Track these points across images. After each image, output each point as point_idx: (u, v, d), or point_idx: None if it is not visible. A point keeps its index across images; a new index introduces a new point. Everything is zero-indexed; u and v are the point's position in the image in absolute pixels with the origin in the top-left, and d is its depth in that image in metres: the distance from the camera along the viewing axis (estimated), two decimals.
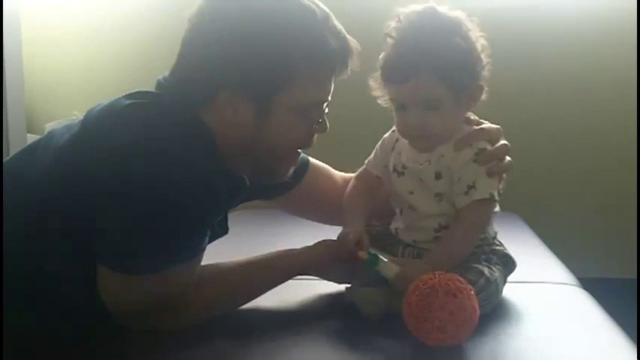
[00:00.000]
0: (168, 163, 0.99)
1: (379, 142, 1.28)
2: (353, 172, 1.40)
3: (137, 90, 1.12)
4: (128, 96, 1.09)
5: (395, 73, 1.13)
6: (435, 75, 1.10)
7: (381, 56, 1.16)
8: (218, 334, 1.09)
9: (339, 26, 1.11)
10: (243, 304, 1.17)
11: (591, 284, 1.42)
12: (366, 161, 1.30)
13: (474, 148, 1.15)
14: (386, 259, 1.14)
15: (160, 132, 1.02)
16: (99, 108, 1.09)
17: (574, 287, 1.39)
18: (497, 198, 1.15)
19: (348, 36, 1.11)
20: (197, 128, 1.08)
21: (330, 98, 1.14)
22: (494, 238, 1.23)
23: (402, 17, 1.15)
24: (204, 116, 1.09)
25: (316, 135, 1.17)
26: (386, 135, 1.27)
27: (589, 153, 2.39)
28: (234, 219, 1.27)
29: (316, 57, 1.08)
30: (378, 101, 1.20)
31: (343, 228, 1.21)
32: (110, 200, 0.99)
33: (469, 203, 1.13)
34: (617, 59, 2.33)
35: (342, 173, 1.45)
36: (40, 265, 1.04)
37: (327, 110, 1.15)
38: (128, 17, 2.45)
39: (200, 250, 1.07)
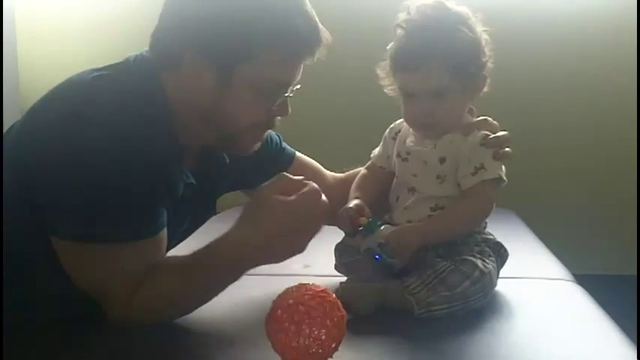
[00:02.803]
0: (108, 133, 1.00)
1: (383, 136, 1.32)
2: (345, 171, 1.41)
3: (107, 65, 1.13)
4: (92, 70, 1.11)
5: (406, 62, 1.17)
6: (443, 64, 1.15)
7: (389, 46, 1.20)
8: (213, 330, 1.09)
9: (312, 13, 1.12)
10: (205, 298, 1.10)
11: (586, 280, 1.42)
12: (371, 155, 1.33)
13: (481, 133, 1.19)
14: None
15: (107, 102, 1.03)
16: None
17: (569, 283, 1.40)
18: (505, 179, 1.18)
19: (320, 25, 1.12)
20: (153, 95, 1.09)
21: (294, 83, 1.14)
22: (485, 227, 1.25)
23: (412, 9, 1.19)
24: (167, 81, 1.10)
25: (279, 118, 1.16)
26: (387, 130, 1.31)
27: (585, 150, 2.40)
28: (225, 216, 1.27)
29: (280, 34, 1.08)
30: (385, 90, 1.23)
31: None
32: (51, 168, 1.01)
33: (477, 183, 1.17)
34: (616, 57, 2.34)
35: (334, 173, 1.44)
36: (7, 252, 1.06)
37: (291, 95, 1.15)
38: (124, 14, 2.45)
39: (147, 233, 1.06)
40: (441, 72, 1.15)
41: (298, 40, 1.10)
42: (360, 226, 1.19)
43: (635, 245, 2.15)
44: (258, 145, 1.20)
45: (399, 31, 1.19)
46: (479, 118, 1.23)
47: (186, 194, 1.13)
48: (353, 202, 1.23)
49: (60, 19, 2.50)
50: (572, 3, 2.35)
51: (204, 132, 1.14)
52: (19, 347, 1.01)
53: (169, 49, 1.10)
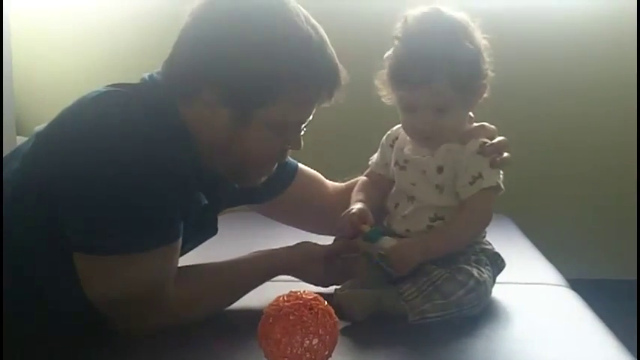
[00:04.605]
0: (132, 144, 1.00)
1: (381, 143, 1.30)
2: (346, 180, 1.41)
3: (119, 82, 1.13)
4: (106, 86, 1.12)
5: (408, 77, 1.14)
6: (448, 80, 1.13)
7: (386, 55, 1.18)
8: (207, 334, 1.09)
9: (333, 55, 1.12)
10: (226, 305, 1.17)
11: (581, 285, 1.42)
12: (369, 161, 1.32)
13: (478, 141, 1.18)
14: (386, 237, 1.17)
15: (127, 115, 1.04)
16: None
17: (563, 288, 1.40)
18: (502, 188, 1.18)
19: (339, 66, 1.13)
20: (170, 117, 1.09)
21: (309, 120, 1.15)
22: (484, 237, 1.25)
23: (409, 20, 1.16)
24: (182, 110, 1.10)
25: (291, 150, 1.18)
26: (384, 137, 1.29)
27: (580, 155, 2.40)
28: (223, 222, 1.27)
29: (303, 81, 1.09)
30: (383, 100, 1.21)
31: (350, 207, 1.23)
32: (76, 180, 1.01)
33: (476, 192, 1.16)
34: (615, 61, 2.33)
35: (334, 183, 1.45)
36: (19, 264, 1.06)
37: (304, 131, 1.16)
38: (119, 19, 2.44)
39: (172, 237, 1.06)
40: (444, 89, 1.13)
41: (319, 86, 1.11)
42: (360, 232, 1.18)
43: (635, 250, 2.15)
44: (265, 178, 1.21)
45: (398, 44, 1.16)
46: (476, 125, 1.22)
47: (196, 214, 1.13)
48: (356, 207, 1.21)
49: (55, 25, 2.49)
50: (571, 4, 2.35)
51: (214, 162, 1.14)
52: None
53: (187, 84, 1.10)
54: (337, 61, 1.13)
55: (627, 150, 2.31)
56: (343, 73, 1.13)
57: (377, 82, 1.20)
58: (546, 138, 2.39)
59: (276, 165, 1.20)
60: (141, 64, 1.20)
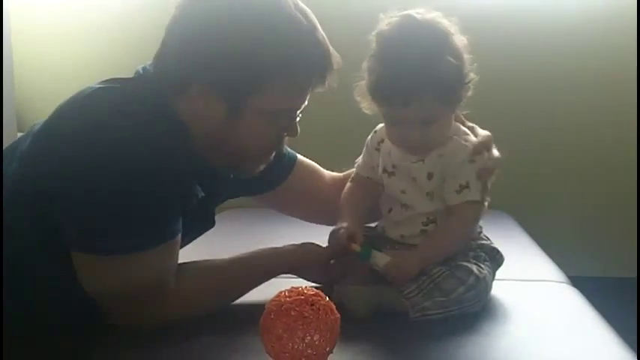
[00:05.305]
0: (128, 141, 1.00)
1: (365, 143, 1.27)
2: (344, 170, 1.40)
3: (112, 77, 1.13)
4: (100, 82, 1.11)
5: (394, 98, 1.11)
6: (433, 97, 1.11)
7: (365, 67, 1.14)
8: (208, 329, 1.09)
9: (324, 40, 1.11)
10: (227, 303, 1.17)
11: (581, 282, 1.42)
12: (355, 164, 1.30)
13: (469, 148, 1.15)
14: (378, 252, 1.16)
15: (123, 111, 1.03)
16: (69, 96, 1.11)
17: (564, 285, 1.40)
18: (485, 203, 1.17)
19: (331, 51, 1.12)
20: (165, 111, 1.09)
21: (303, 106, 1.14)
22: (480, 233, 1.25)
23: (384, 33, 1.13)
24: (175, 104, 1.10)
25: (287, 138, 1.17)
26: (369, 137, 1.27)
27: (579, 151, 2.39)
28: (224, 217, 1.27)
29: (293, 68, 1.08)
30: (365, 111, 1.18)
31: (337, 223, 1.21)
32: (74, 180, 1.00)
33: (460, 202, 1.15)
34: (615, 57, 2.32)
35: (332, 173, 1.44)
36: (18, 263, 1.06)
37: (299, 117, 1.16)
38: (119, 15, 2.44)
39: (171, 234, 1.06)
40: (430, 105, 1.11)
41: (310, 71, 1.10)
42: (351, 250, 1.16)
43: (636, 247, 2.15)
44: (263, 166, 1.20)
45: (376, 61, 1.12)
46: (467, 126, 1.20)
47: (193, 206, 1.12)
48: (344, 226, 1.19)
49: (55, 21, 2.49)
50: (571, 2, 2.34)
51: (210, 153, 1.14)
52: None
53: (178, 77, 1.09)
54: (329, 46, 1.11)
55: (627, 146, 2.31)
56: (336, 58, 1.12)
57: (356, 94, 1.16)
58: (547, 134, 2.38)
59: (274, 153, 1.20)
60: (141, 59, 1.19)
